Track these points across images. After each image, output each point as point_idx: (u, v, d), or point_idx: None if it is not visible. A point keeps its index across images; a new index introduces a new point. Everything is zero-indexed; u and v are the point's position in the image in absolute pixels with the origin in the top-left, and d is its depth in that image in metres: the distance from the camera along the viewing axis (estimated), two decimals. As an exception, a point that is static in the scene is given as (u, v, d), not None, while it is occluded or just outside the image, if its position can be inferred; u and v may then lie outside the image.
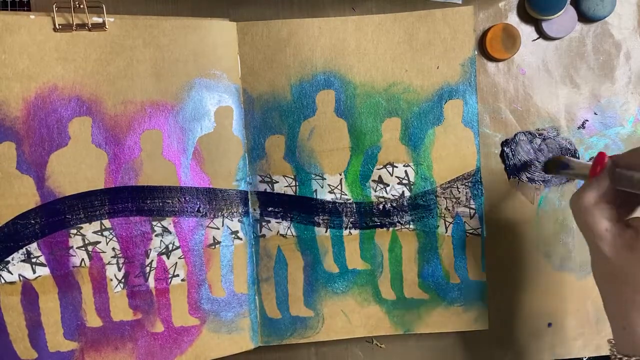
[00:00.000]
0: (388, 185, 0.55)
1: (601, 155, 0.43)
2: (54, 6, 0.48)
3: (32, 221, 0.49)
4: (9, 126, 0.48)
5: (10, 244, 0.49)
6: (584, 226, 0.42)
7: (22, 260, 0.49)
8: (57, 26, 0.49)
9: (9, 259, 0.49)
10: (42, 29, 0.48)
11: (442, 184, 0.55)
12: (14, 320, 0.49)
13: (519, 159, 0.56)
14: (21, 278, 0.49)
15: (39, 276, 0.50)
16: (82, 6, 0.48)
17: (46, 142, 0.49)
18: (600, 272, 0.43)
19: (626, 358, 0.41)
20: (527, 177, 0.57)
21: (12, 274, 0.49)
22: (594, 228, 0.42)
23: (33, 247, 0.49)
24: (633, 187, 0.40)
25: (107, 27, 0.50)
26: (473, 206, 0.55)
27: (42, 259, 0.49)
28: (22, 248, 0.49)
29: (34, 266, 0.49)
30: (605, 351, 0.59)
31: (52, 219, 0.49)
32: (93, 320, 0.51)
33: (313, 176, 0.55)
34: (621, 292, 0.41)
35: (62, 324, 0.50)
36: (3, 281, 0.49)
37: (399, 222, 0.55)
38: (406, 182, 0.55)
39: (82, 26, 0.49)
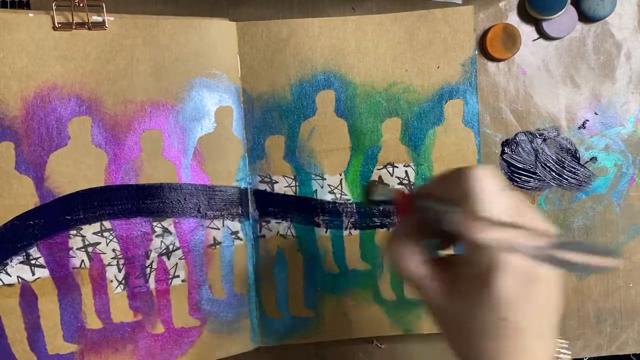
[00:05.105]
0: (388, 185, 0.55)
1: (403, 196, 0.39)
2: (53, 4, 0.48)
3: (31, 222, 0.48)
4: (7, 126, 0.47)
5: (8, 245, 0.48)
6: (402, 274, 0.38)
7: (21, 262, 0.48)
8: (56, 25, 0.48)
9: (8, 260, 0.48)
10: (42, 28, 0.48)
11: (443, 184, 0.55)
12: (12, 323, 0.49)
13: (519, 159, 0.56)
14: (20, 280, 0.49)
15: (38, 278, 0.49)
16: (82, 5, 0.48)
17: (45, 142, 0.48)
18: (433, 320, 0.38)
19: None
20: (527, 177, 0.57)
21: (10, 276, 0.48)
22: (412, 277, 0.37)
23: (32, 248, 0.49)
24: (434, 219, 0.36)
25: (106, 26, 0.49)
26: (473, 206, 0.55)
27: (42, 261, 0.49)
28: (21, 249, 0.48)
29: (33, 268, 0.49)
30: (605, 351, 0.59)
31: (52, 219, 0.49)
32: (93, 322, 0.51)
33: (313, 176, 0.55)
34: (461, 340, 0.36)
35: (61, 326, 0.50)
36: (1, 283, 0.48)
37: (399, 222, 0.55)
38: (406, 182, 0.55)
39: (81, 25, 0.49)
